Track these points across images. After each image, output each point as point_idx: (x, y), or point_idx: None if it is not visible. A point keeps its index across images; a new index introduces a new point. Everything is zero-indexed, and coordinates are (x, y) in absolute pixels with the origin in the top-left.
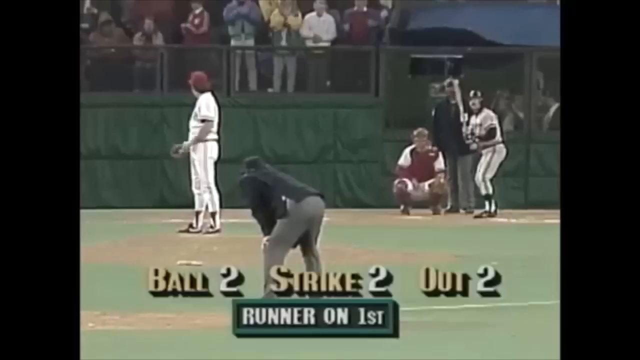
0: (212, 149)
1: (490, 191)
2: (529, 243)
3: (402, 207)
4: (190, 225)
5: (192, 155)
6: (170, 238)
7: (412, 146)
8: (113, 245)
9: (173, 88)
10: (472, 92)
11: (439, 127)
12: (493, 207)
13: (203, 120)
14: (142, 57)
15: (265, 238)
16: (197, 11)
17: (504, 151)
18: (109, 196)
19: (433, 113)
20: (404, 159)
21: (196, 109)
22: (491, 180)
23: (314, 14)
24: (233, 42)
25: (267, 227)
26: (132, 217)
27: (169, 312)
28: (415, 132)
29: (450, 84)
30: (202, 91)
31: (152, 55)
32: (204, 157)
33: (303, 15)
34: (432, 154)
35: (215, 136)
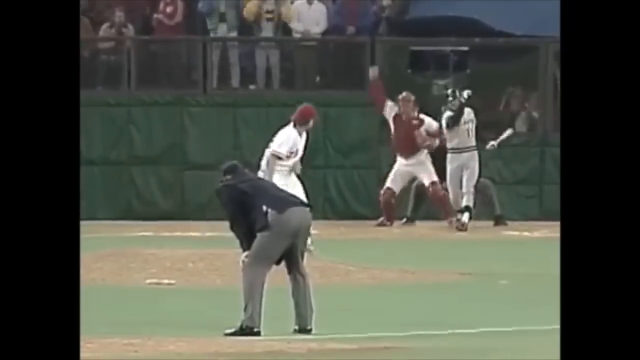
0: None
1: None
2: (544, 259)
3: (383, 218)
4: None
5: None
6: (139, 253)
7: (395, 111)
8: None
9: (141, 85)
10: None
11: None
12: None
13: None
14: (107, 50)
15: (245, 254)
16: None
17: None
18: None
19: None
20: (390, 123)
21: None
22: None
23: (303, 1)
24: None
25: (246, 241)
26: (95, 230)
27: (136, 338)
28: (400, 97)
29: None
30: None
31: (118, 48)
32: None
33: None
34: (415, 122)
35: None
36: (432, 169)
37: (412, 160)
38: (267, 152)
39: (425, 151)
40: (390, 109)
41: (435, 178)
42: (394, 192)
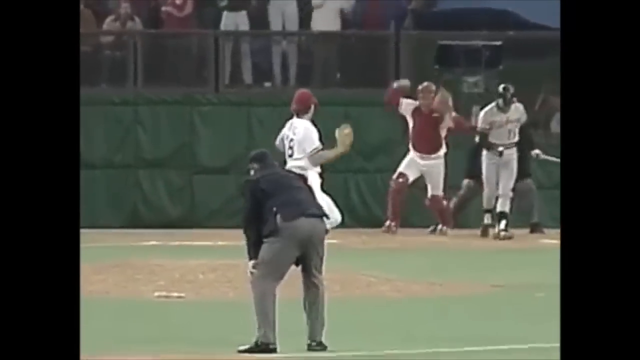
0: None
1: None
2: None
3: (389, 217)
4: None
5: None
6: (145, 264)
7: (416, 104)
8: None
9: (148, 83)
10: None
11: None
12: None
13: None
14: (111, 44)
15: (251, 264)
16: None
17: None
18: None
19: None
20: (409, 119)
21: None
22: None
23: None
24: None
25: (254, 248)
26: (98, 239)
27: (143, 355)
28: (420, 87)
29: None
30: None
31: (124, 43)
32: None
33: None
34: (437, 115)
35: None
36: (441, 178)
37: (428, 162)
38: (304, 159)
39: (444, 152)
40: (406, 105)
41: (440, 192)
42: (407, 180)
